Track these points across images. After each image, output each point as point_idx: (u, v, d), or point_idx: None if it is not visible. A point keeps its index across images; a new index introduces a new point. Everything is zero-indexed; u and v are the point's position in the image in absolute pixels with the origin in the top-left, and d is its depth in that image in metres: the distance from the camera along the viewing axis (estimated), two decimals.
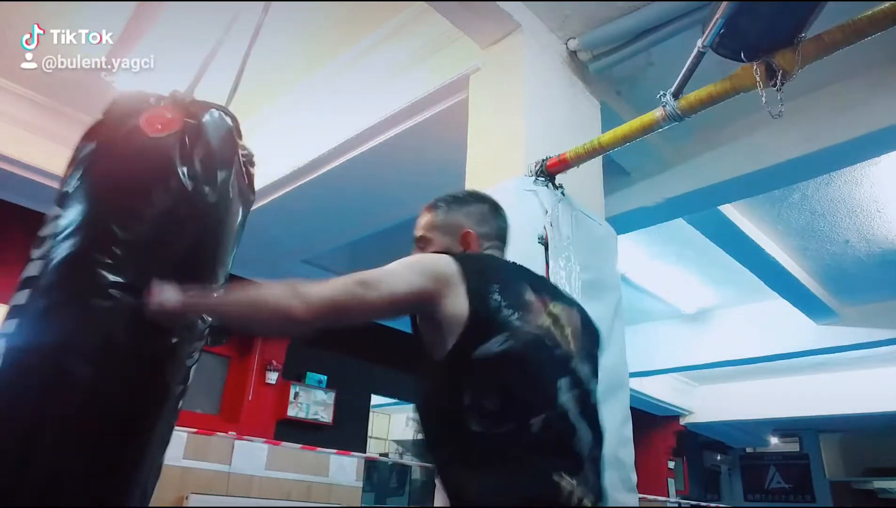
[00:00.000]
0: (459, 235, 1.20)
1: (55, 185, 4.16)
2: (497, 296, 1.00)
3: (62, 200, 1.23)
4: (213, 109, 1.33)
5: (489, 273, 1.06)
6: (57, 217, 1.20)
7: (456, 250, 1.17)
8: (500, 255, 1.24)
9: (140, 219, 1.17)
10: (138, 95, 1.30)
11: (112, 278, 1.13)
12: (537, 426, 0.93)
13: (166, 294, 1.09)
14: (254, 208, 4.30)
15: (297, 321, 0.94)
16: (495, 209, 1.27)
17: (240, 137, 1.37)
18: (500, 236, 1.25)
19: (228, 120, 1.35)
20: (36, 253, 1.18)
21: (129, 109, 1.26)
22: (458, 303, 0.97)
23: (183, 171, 1.20)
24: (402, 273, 0.99)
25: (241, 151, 1.35)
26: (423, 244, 1.22)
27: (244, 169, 1.38)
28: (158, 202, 1.18)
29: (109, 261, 1.14)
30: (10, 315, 1.14)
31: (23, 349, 1.09)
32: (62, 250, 1.15)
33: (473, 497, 0.91)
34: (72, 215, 1.18)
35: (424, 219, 1.25)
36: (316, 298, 0.95)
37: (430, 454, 1.02)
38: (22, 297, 1.15)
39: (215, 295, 1.11)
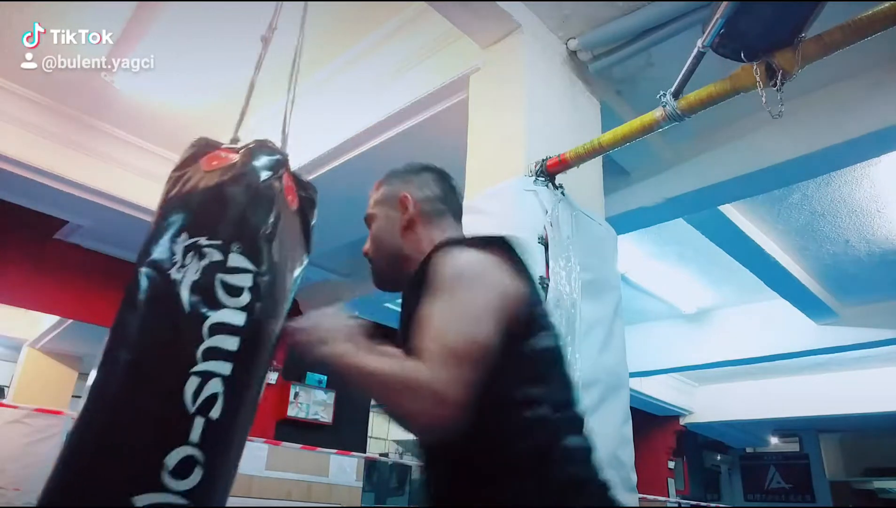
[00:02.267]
0: (397, 200, 1.13)
1: (55, 185, 4.15)
2: (530, 286, 0.98)
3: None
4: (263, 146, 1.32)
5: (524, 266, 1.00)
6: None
7: (395, 218, 1.12)
8: (458, 225, 1.17)
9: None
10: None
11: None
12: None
13: (306, 334, 0.94)
14: None
15: (443, 426, 0.79)
16: (442, 177, 1.19)
17: (285, 164, 1.36)
18: (448, 201, 1.16)
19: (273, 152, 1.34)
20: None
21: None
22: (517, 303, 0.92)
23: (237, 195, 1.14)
24: (476, 317, 0.86)
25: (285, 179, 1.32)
26: (369, 221, 1.18)
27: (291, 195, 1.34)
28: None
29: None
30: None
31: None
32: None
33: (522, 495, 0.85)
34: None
35: (371, 197, 1.22)
36: (453, 397, 0.79)
37: (455, 451, 0.89)
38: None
39: (362, 357, 0.86)
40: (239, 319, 1.03)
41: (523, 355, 0.90)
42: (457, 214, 1.18)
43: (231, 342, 1.02)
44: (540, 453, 0.86)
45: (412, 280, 0.99)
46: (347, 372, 0.87)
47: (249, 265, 1.06)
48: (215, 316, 1.00)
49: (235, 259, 1.05)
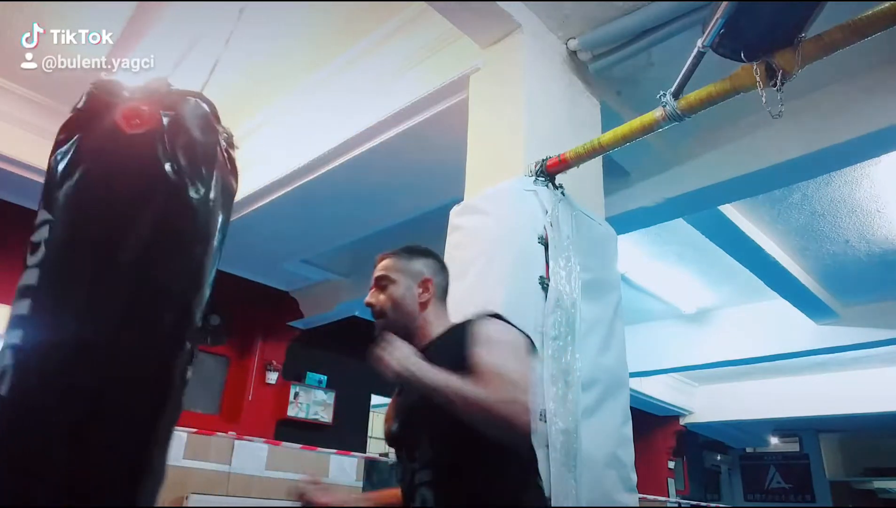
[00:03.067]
0: (420, 280, 1.40)
1: None
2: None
3: (49, 203, 1.17)
4: (190, 98, 1.26)
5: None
6: (46, 222, 1.15)
7: (414, 293, 1.38)
8: (446, 306, 1.45)
9: (130, 220, 1.13)
10: (113, 85, 1.26)
11: (110, 281, 1.09)
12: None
13: (397, 353, 1.15)
14: (254, 207, 4.32)
15: (524, 434, 1.10)
16: (444, 266, 1.48)
17: (219, 122, 1.30)
18: (446, 289, 1.46)
19: (205, 107, 1.27)
20: (31, 260, 1.13)
21: (105, 102, 1.22)
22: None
23: (166, 168, 1.14)
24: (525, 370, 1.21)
25: (221, 137, 1.29)
26: (384, 283, 1.39)
27: (226, 156, 1.30)
28: (145, 203, 1.14)
29: (103, 266, 1.10)
30: (12, 325, 1.10)
31: (29, 357, 1.07)
32: (58, 257, 1.11)
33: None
34: (62, 220, 1.14)
35: (388, 262, 1.42)
36: (516, 406, 1.10)
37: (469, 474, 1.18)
38: (24, 307, 1.09)
39: (441, 376, 1.12)
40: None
41: None
42: (445, 297, 1.47)
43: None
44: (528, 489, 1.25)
45: (449, 342, 1.30)
46: (425, 384, 1.11)
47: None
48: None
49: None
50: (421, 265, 1.43)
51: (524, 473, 1.23)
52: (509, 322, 1.31)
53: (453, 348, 1.25)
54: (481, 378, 1.12)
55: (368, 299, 1.41)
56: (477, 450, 1.15)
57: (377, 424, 9.12)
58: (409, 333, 1.34)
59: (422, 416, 1.24)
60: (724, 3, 1.45)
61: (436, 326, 1.39)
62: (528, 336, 1.31)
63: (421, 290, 1.39)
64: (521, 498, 1.20)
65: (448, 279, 1.48)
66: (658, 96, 1.71)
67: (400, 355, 1.15)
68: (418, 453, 1.24)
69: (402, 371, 1.13)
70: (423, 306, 1.39)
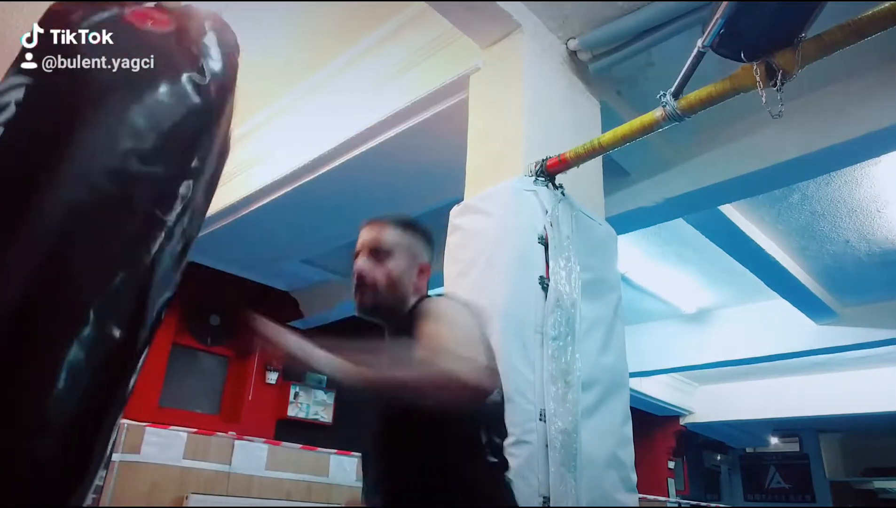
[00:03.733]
0: (419, 264, 1.30)
1: None
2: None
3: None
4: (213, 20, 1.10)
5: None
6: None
7: (412, 276, 1.28)
8: None
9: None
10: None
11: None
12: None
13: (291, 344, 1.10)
14: (254, 207, 4.31)
15: (485, 393, 1.04)
16: (433, 248, 1.39)
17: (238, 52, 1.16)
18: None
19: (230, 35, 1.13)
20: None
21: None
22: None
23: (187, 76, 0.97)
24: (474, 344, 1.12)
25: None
26: (382, 257, 1.26)
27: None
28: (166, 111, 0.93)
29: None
30: None
31: None
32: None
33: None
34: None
35: (387, 232, 1.29)
36: (487, 369, 1.06)
37: (422, 473, 1.12)
38: None
39: (373, 370, 1.03)
40: None
41: (491, 405, 1.18)
42: None
43: None
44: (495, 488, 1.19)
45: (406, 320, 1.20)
46: (369, 384, 1.04)
47: None
48: None
49: None
50: (421, 247, 1.32)
51: (481, 465, 1.14)
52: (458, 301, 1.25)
53: (409, 328, 1.16)
54: (430, 352, 1.03)
55: (361, 265, 1.26)
56: (420, 439, 1.11)
57: None
58: (389, 314, 1.26)
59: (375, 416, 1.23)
60: (724, 3, 1.45)
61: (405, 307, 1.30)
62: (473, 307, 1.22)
63: (417, 276, 1.30)
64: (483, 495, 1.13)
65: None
66: (658, 96, 1.71)
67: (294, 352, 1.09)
68: (378, 460, 1.22)
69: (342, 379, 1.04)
70: (416, 291, 1.29)
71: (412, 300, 1.27)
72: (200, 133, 0.99)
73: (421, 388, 1.00)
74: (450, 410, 1.03)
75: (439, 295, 1.27)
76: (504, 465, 1.19)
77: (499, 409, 1.22)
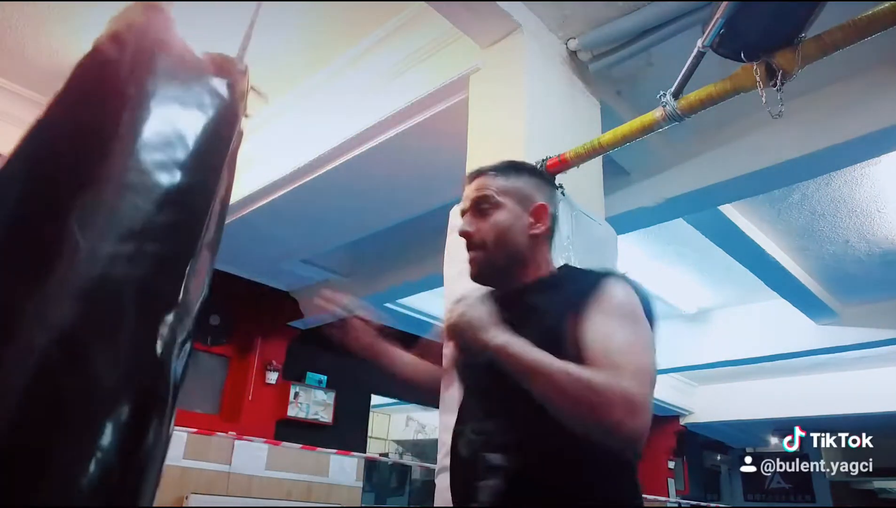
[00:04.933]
0: (533, 206, 1.12)
1: None
2: None
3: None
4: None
5: None
6: None
7: (525, 223, 1.10)
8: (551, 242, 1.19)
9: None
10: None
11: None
12: None
13: (478, 311, 0.95)
14: (254, 207, 4.32)
15: (620, 437, 0.85)
16: (555, 188, 1.24)
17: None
18: (556, 218, 1.18)
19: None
20: None
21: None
22: None
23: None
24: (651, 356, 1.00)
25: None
26: (486, 207, 1.10)
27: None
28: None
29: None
30: None
31: None
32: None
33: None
34: None
35: (489, 180, 1.13)
36: (640, 405, 0.85)
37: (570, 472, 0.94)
38: None
39: (527, 351, 0.89)
40: None
41: None
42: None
43: None
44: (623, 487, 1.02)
45: (561, 293, 1.03)
46: (521, 369, 0.89)
47: None
48: None
49: None
50: (533, 187, 1.14)
51: (621, 467, 0.99)
52: (642, 295, 1.06)
53: (563, 303, 0.99)
54: (610, 366, 0.87)
55: (464, 226, 1.12)
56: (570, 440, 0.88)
57: (377, 424, 9.13)
58: (510, 271, 1.10)
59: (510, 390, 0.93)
60: (724, 3, 1.45)
61: (542, 269, 1.12)
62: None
63: (533, 220, 1.11)
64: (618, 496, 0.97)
65: (558, 208, 1.19)
66: (658, 96, 1.71)
67: (486, 320, 0.94)
68: (492, 424, 0.99)
69: (489, 343, 0.91)
70: (535, 239, 1.11)
71: (532, 251, 1.11)
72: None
73: (576, 403, 0.84)
74: (594, 443, 0.86)
75: (610, 275, 1.05)
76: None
77: None
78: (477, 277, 1.12)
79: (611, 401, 0.82)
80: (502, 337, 0.92)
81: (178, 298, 0.86)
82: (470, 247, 1.11)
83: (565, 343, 0.94)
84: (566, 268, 1.16)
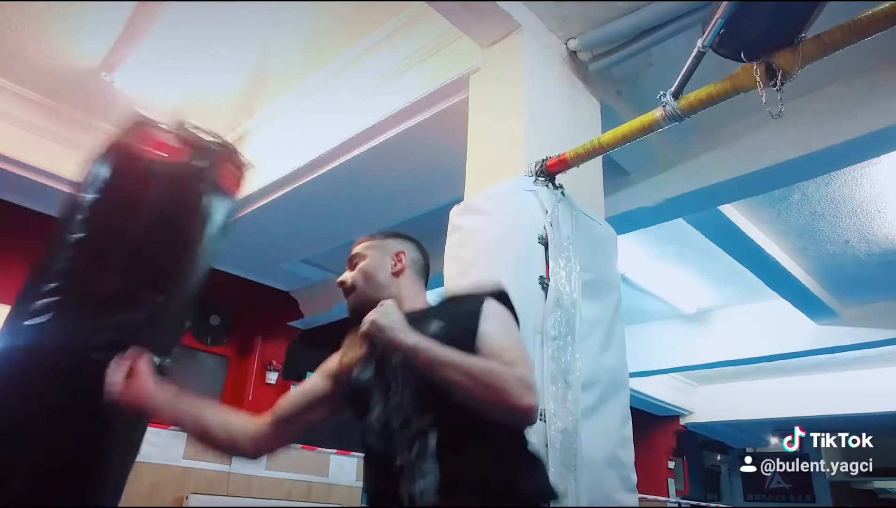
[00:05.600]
0: (392, 252, 1.36)
1: (55, 185, 4.18)
2: None
3: (74, 213, 1.40)
4: (212, 143, 1.54)
5: None
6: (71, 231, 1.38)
7: (386, 264, 1.34)
8: (425, 289, 1.41)
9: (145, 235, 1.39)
10: (145, 120, 1.48)
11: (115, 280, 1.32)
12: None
13: (391, 316, 1.12)
14: (254, 207, 4.31)
15: (521, 413, 1.03)
16: (423, 252, 1.44)
17: (235, 161, 1.63)
18: (425, 272, 1.42)
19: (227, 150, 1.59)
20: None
21: (137, 133, 1.45)
22: None
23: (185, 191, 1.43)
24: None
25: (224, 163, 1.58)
26: (356, 261, 1.37)
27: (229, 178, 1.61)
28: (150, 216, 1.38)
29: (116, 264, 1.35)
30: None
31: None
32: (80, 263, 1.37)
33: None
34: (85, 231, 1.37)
35: (361, 243, 1.41)
36: (532, 392, 1.04)
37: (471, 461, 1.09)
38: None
39: (452, 352, 1.06)
40: None
41: None
42: (426, 281, 1.43)
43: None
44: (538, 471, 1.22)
45: (447, 314, 1.24)
46: (436, 363, 1.05)
47: None
48: None
49: None
50: (394, 242, 1.39)
51: (520, 443, 1.18)
52: (512, 308, 1.25)
53: (455, 321, 1.18)
54: (505, 360, 1.07)
55: (340, 278, 1.37)
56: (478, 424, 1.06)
57: None
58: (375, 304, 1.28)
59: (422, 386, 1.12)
60: (724, 3, 1.45)
61: (411, 300, 1.32)
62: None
63: (394, 262, 1.35)
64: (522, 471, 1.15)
65: (427, 262, 1.43)
66: (658, 96, 1.71)
67: (398, 323, 1.10)
68: (418, 438, 1.11)
69: (402, 343, 1.08)
70: (397, 275, 1.34)
71: (396, 284, 1.33)
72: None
73: (485, 387, 1.02)
74: (492, 420, 1.04)
75: (497, 294, 1.25)
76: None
77: None
78: (353, 312, 1.33)
79: (511, 384, 1.02)
80: (416, 337, 1.09)
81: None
82: (345, 294, 1.36)
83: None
84: (451, 296, 1.35)
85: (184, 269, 1.44)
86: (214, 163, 1.50)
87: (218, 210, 1.52)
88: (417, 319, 1.20)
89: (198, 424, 1.34)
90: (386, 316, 1.12)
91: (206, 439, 1.34)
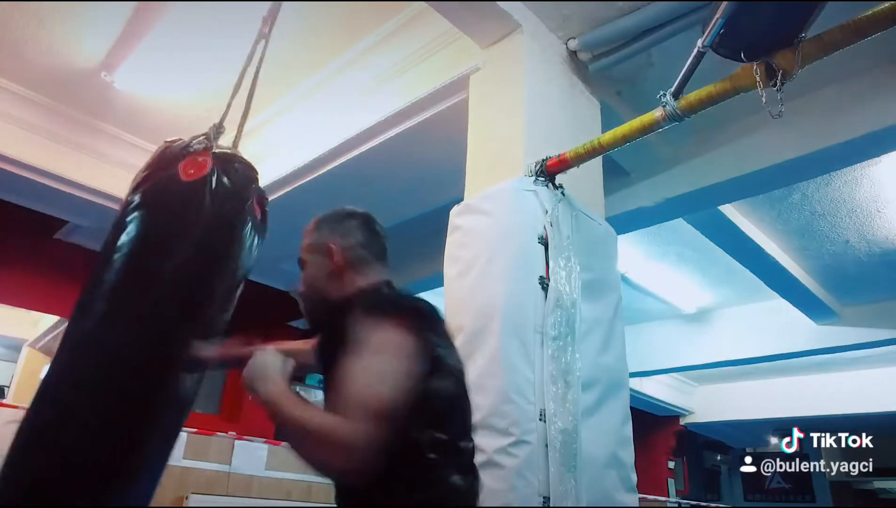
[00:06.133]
0: (324, 248, 1.28)
1: (55, 185, 4.17)
2: (437, 342, 1.13)
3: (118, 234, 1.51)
4: (235, 160, 1.63)
5: (432, 323, 1.16)
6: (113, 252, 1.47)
7: (326, 268, 1.27)
8: (381, 267, 1.31)
9: (173, 251, 1.45)
10: (178, 143, 1.57)
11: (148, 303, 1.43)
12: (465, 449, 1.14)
13: (254, 369, 1.11)
14: None
15: (348, 472, 0.99)
16: (364, 223, 1.33)
17: (256, 180, 1.71)
18: (370, 246, 1.31)
19: (246, 168, 1.66)
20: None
21: (170, 156, 1.53)
22: (425, 362, 1.08)
23: (208, 209, 1.49)
24: (393, 378, 1.03)
25: (255, 193, 1.70)
26: (302, 266, 1.32)
27: (257, 207, 1.73)
28: (189, 237, 1.46)
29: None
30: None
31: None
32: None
33: None
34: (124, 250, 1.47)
35: (302, 243, 1.34)
36: (360, 449, 0.96)
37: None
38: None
39: (300, 410, 1.04)
40: None
41: (425, 397, 1.06)
42: (380, 256, 1.32)
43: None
44: (430, 487, 1.07)
45: (336, 321, 1.15)
46: (276, 416, 1.04)
47: None
48: None
49: None
50: (325, 233, 1.31)
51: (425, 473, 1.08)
52: (395, 301, 1.21)
53: (332, 335, 1.16)
54: (333, 408, 1.01)
55: (294, 284, 1.36)
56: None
57: None
58: (325, 313, 1.27)
59: None
60: (724, 3, 1.45)
61: (358, 281, 1.27)
62: (426, 339, 1.11)
63: (328, 260, 1.28)
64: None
65: (369, 234, 1.32)
66: (658, 96, 1.71)
67: (263, 373, 1.09)
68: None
69: (258, 393, 1.07)
70: (332, 276, 1.27)
71: (339, 283, 1.26)
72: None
73: (302, 442, 1.01)
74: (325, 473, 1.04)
75: (381, 304, 1.18)
76: (452, 462, 1.09)
77: (448, 404, 1.13)
78: (309, 324, 1.34)
79: (335, 450, 0.95)
80: (271, 389, 1.06)
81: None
82: (297, 301, 1.33)
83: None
84: (358, 295, 1.23)
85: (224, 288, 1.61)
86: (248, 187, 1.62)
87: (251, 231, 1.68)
88: (341, 309, 1.17)
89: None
90: (249, 370, 1.11)
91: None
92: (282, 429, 1.04)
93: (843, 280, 4.86)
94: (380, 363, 1.03)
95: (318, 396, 6.24)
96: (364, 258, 1.29)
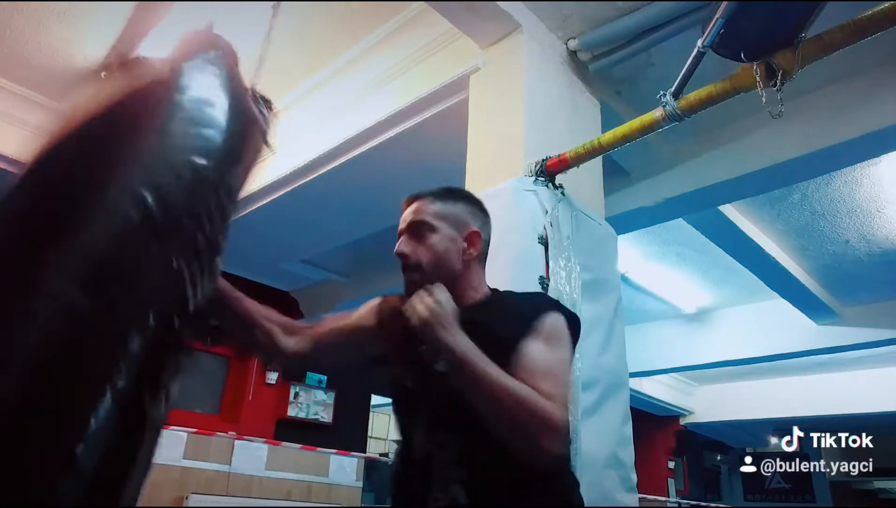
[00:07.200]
0: (466, 232, 1.16)
1: None
2: None
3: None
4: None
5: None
6: None
7: (459, 247, 1.14)
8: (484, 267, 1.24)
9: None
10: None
11: None
12: None
13: (443, 311, 0.97)
14: (254, 207, 4.31)
15: (541, 456, 0.93)
16: (488, 216, 1.25)
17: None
18: (488, 244, 1.24)
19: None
20: None
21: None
22: None
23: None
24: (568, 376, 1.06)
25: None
26: (424, 231, 1.14)
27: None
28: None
29: None
30: None
31: None
32: None
33: None
34: None
35: (424, 205, 1.18)
36: (565, 433, 0.96)
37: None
38: None
39: (485, 363, 0.94)
40: None
41: None
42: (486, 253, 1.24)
43: None
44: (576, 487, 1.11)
45: (507, 314, 1.09)
46: (468, 373, 0.94)
47: None
48: None
49: None
50: (467, 214, 1.18)
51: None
52: (576, 333, 1.12)
53: (504, 326, 1.05)
54: (544, 391, 0.94)
55: (401, 247, 1.15)
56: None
57: (377, 424, 9.13)
58: (456, 293, 1.12)
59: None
60: (724, 3, 1.45)
61: (477, 292, 1.16)
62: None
63: (466, 245, 1.15)
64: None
65: (490, 231, 1.23)
66: (658, 96, 1.71)
67: (449, 322, 0.96)
68: (452, 438, 1.01)
69: (450, 348, 0.94)
70: (467, 264, 1.15)
71: (465, 275, 1.15)
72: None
73: (511, 418, 0.91)
74: (519, 460, 0.93)
75: (555, 308, 1.11)
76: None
77: None
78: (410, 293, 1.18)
79: (549, 428, 0.91)
80: (465, 344, 0.95)
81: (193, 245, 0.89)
82: (405, 268, 1.14)
83: (503, 363, 0.97)
84: (499, 293, 1.20)
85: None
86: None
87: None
88: (469, 311, 1.07)
89: (243, 304, 1.24)
90: (436, 312, 0.97)
91: (245, 323, 1.25)
92: (471, 387, 0.94)
93: (844, 280, 4.86)
94: (567, 360, 1.05)
95: (317, 396, 6.25)
96: (484, 261, 1.22)
